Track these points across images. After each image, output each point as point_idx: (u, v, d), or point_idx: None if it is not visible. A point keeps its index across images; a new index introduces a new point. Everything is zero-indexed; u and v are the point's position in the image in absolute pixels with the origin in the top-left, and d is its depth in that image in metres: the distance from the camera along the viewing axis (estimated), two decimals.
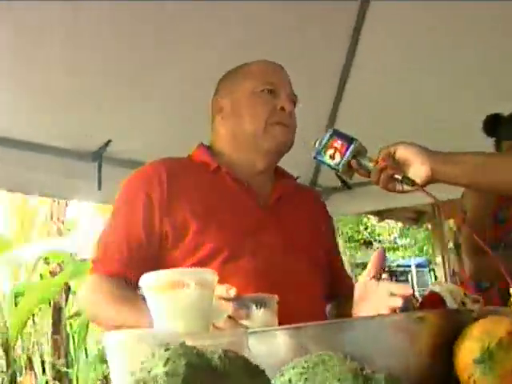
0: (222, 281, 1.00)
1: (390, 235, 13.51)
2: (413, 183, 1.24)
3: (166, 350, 0.65)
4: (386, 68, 2.83)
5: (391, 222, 11.62)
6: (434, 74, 2.79)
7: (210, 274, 0.95)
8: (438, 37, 2.67)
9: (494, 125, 2.36)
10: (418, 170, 1.24)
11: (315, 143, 1.33)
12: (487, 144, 2.36)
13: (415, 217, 5.64)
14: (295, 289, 1.40)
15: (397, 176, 1.26)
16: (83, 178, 2.69)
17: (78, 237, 6.00)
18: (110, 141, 2.68)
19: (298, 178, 1.66)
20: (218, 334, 0.99)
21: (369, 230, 12.86)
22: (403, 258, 13.89)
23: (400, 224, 10.88)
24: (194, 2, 2.31)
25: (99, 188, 2.64)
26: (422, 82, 2.84)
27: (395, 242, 13.41)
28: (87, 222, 7.35)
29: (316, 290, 1.51)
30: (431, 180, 1.24)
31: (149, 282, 0.93)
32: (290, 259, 1.46)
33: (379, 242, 13.09)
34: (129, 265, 1.42)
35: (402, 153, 1.26)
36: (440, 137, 2.92)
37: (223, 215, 1.46)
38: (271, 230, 1.48)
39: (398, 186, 1.27)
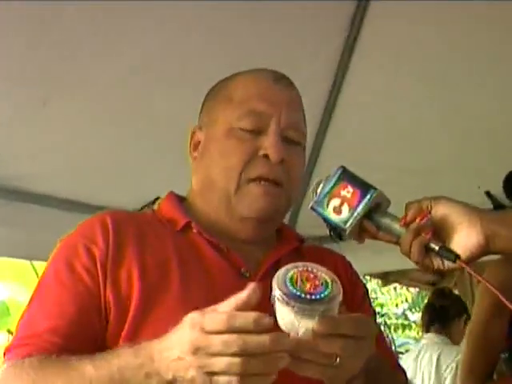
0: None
1: (397, 306, 11.71)
2: (456, 258, 1.02)
3: None
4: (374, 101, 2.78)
5: (399, 288, 10.03)
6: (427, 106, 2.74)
7: None
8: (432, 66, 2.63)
9: None
10: (466, 236, 1.03)
11: (317, 186, 1.12)
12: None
13: (436, 280, 4.77)
14: None
15: (433, 245, 1.03)
16: None
17: None
18: None
19: (303, 240, 1.33)
20: None
21: None
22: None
23: (413, 290, 9.24)
24: None
25: None
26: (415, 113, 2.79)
27: (405, 317, 11.55)
28: None
29: None
30: (485, 251, 1.03)
31: None
32: None
33: (382, 316, 11.27)
34: (63, 347, 1.10)
35: (442, 211, 1.05)
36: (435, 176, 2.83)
37: (184, 287, 1.15)
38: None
39: (437, 261, 1.05)
